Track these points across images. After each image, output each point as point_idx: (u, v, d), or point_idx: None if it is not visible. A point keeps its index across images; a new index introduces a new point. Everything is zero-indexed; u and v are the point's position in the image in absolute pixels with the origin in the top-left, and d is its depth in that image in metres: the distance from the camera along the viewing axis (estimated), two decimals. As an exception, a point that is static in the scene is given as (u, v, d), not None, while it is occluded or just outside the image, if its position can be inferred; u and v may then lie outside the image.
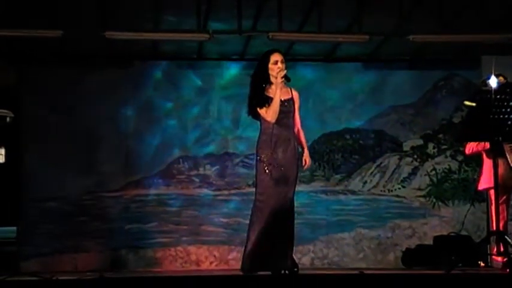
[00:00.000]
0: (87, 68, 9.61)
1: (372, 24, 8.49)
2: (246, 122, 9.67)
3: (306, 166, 6.47)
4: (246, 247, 6.32)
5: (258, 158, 6.39)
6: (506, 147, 6.91)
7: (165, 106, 9.88)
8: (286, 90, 6.44)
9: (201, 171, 9.89)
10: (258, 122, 6.47)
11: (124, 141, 9.75)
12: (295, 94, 6.49)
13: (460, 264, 7.30)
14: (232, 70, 9.95)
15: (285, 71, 6.35)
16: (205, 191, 9.84)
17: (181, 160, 9.88)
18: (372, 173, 10.04)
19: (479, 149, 7.23)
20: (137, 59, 9.84)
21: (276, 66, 6.37)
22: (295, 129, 6.46)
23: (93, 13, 8.18)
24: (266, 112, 6.34)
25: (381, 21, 8.53)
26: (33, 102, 9.57)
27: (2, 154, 6.40)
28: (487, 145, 7.05)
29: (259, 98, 6.36)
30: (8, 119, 6.41)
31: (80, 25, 8.33)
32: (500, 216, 6.92)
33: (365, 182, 10.02)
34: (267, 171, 6.32)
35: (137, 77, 9.83)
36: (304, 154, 6.45)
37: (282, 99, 6.36)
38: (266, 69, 6.40)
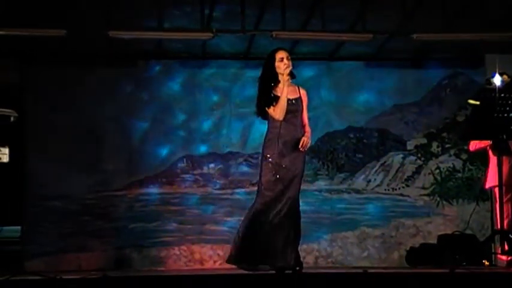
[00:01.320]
0: (90, 67, 9.62)
1: (375, 23, 8.49)
2: (250, 123, 9.74)
3: (303, 144, 6.28)
4: (237, 239, 6.29)
5: (264, 156, 6.38)
6: (512, 145, 6.90)
7: (169, 105, 9.88)
8: (293, 89, 6.43)
9: (205, 170, 9.89)
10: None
11: (128, 140, 9.76)
12: (303, 92, 6.49)
13: (464, 263, 7.29)
14: (237, 69, 9.95)
15: (291, 68, 6.36)
16: (209, 190, 9.84)
17: (185, 159, 9.88)
18: (375, 171, 10.04)
19: (482, 145, 7.22)
20: (140, 59, 9.84)
21: (282, 63, 6.38)
22: (303, 128, 6.44)
23: (97, 12, 8.18)
24: (274, 110, 6.33)
25: (385, 20, 8.53)
26: (36, 101, 9.58)
27: (6, 153, 6.39)
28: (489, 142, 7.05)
29: (267, 97, 6.36)
30: (11, 119, 6.42)
31: (83, 24, 8.34)
32: (505, 215, 6.90)
33: (369, 181, 10.01)
34: (272, 170, 6.30)
35: (140, 76, 9.84)
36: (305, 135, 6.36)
37: (290, 98, 6.36)
38: (273, 67, 6.40)
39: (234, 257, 6.31)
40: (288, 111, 6.33)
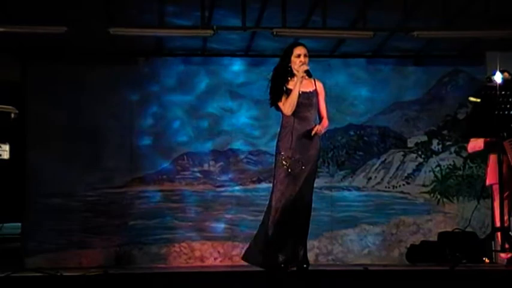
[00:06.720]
0: (91, 65, 9.62)
1: (376, 20, 8.48)
2: (251, 121, 9.74)
3: (314, 130, 6.27)
4: (256, 238, 6.29)
5: (278, 151, 6.34)
6: (507, 144, 6.87)
7: (170, 103, 9.88)
8: (308, 82, 6.36)
9: (205, 167, 9.89)
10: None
11: (128, 137, 9.76)
12: (319, 85, 6.43)
13: (465, 261, 7.30)
14: (237, 66, 9.96)
15: (308, 67, 6.31)
16: (209, 187, 9.84)
17: (185, 156, 9.88)
18: (376, 169, 10.04)
19: (478, 148, 7.22)
20: (141, 56, 9.84)
21: (298, 59, 6.34)
22: (321, 120, 6.39)
23: (97, 9, 8.18)
24: (283, 104, 6.30)
25: (386, 17, 8.52)
26: (37, 98, 9.58)
27: (6, 150, 6.41)
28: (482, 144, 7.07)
29: (278, 90, 6.33)
30: (12, 116, 6.43)
31: (84, 21, 8.33)
32: (504, 212, 6.89)
33: (369, 178, 10.01)
34: (285, 165, 6.26)
35: (141, 74, 9.84)
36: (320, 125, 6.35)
37: (304, 90, 6.29)
38: (289, 62, 6.37)
39: (248, 254, 6.30)
40: (300, 105, 6.26)
